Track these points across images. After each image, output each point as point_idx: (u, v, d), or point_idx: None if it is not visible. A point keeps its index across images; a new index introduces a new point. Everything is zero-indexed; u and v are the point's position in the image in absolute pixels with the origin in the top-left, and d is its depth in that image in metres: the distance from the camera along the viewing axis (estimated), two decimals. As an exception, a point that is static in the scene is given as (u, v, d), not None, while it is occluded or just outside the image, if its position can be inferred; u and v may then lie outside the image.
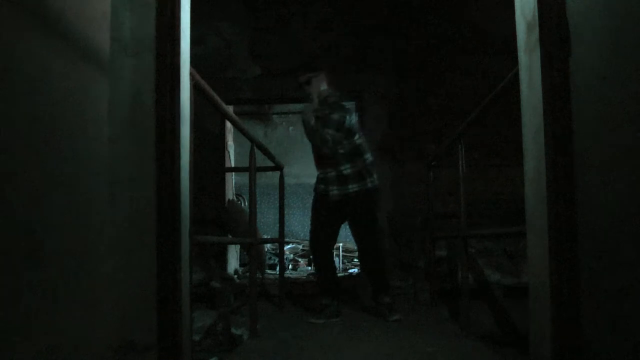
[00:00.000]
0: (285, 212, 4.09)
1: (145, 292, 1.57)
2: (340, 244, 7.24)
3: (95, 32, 1.51)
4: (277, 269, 4.96)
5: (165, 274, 1.58)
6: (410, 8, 5.02)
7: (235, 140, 5.70)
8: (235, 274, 5.18)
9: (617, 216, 1.25)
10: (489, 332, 2.89)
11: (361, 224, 3.39)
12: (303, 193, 8.55)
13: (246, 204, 6.03)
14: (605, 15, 1.31)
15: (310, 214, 3.55)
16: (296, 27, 5.07)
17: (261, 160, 3.18)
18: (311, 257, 3.53)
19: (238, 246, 5.54)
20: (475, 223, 4.42)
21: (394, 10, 5.04)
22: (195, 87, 1.89)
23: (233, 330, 2.84)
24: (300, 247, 8.34)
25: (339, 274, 5.87)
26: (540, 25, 1.54)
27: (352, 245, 7.65)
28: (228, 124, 5.07)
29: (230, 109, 4.81)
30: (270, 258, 6.80)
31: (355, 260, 7.11)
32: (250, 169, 2.90)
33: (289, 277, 5.14)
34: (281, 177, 4.01)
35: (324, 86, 3.47)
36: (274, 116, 10.38)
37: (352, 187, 3.34)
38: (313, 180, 3.62)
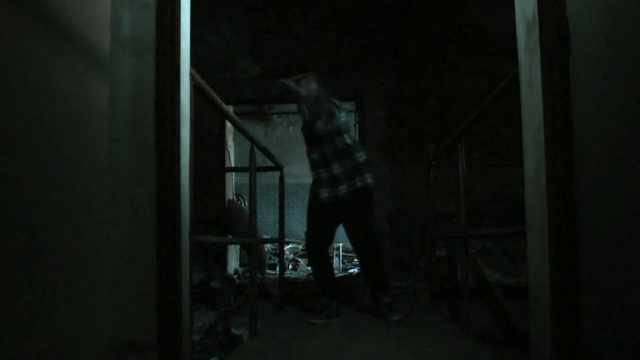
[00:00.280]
0: (285, 212, 4.09)
1: (145, 292, 1.57)
2: (340, 244, 7.23)
3: (95, 32, 1.51)
4: (277, 269, 4.96)
5: (165, 274, 1.58)
6: (411, 8, 5.02)
7: (235, 140, 5.70)
8: (235, 274, 5.18)
9: (617, 216, 1.25)
10: (489, 332, 2.89)
11: (355, 225, 3.37)
12: (303, 193, 8.54)
13: (246, 204, 6.03)
14: (606, 15, 1.31)
15: (307, 214, 3.55)
16: (296, 27, 5.07)
17: (261, 160, 3.18)
18: (308, 258, 3.53)
19: (238, 246, 5.54)
20: (475, 223, 4.42)
21: (394, 10, 5.04)
22: (195, 87, 1.89)
23: (233, 330, 2.84)
24: (300, 247, 8.34)
25: (339, 274, 5.88)
26: (540, 25, 1.54)
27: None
28: (228, 124, 5.08)
29: (230, 109, 4.81)
30: (270, 258, 6.80)
31: (355, 260, 7.11)
32: (250, 169, 2.90)
33: (289, 277, 5.14)
34: (281, 177, 4.01)
35: (313, 87, 3.45)
36: (274, 116, 10.38)
37: (342, 189, 3.32)
38: (312, 181, 3.62)
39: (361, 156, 3.41)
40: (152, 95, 1.62)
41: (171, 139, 1.62)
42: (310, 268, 6.97)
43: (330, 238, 3.50)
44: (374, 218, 3.46)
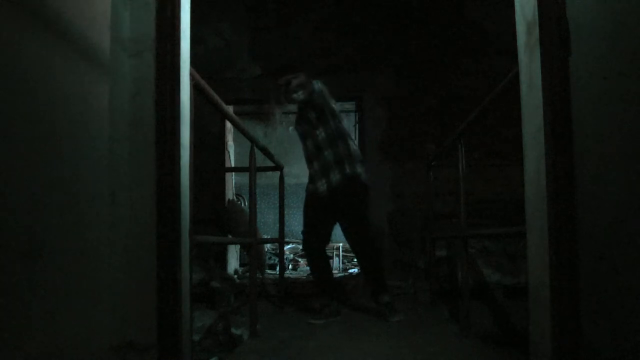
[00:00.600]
0: (285, 212, 4.09)
1: (145, 292, 1.57)
2: (340, 244, 7.23)
3: (95, 32, 1.51)
4: (277, 269, 4.96)
5: (165, 274, 1.58)
6: (411, 8, 5.02)
7: (235, 140, 5.70)
8: (235, 274, 5.18)
9: (617, 216, 1.25)
10: (489, 332, 2.89)
11: (350, 221, 3.34)
12: (303, 193, 8.51)
13: (246, 204, 6.03)
14: (606, 15, 1.31)
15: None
16: (296, 27, 5.08)
17: (261, 160, 3.18)
18: (306, 258, 3.52)
19: (238, 246, 5.54)
20: (475, 223, 4.42)
21: (394, 10, 5.04)
22: (195, 87, 1.89)
23: (233, 330, 2.84)
24: (300, 247, 8.34)
25: (339, 274, 5.88)
26: (540, 25, 1.53)
27: (352, 245, 7.65)
28: (228, 124, 5.08)
29: (230, 109, 4.81)
30: (270, 258, 6.80)
31: (355, 260, 7.11)
32: (250, 169, 2.90)
33: (289, 277, 5.14)
34: (281, 177, 4.01)
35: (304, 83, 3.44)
36: (274, 116, 10.37)
37: (334, 177, 3.29)
38: (312, 180, 3.62)
39: (353, 146, 3.39)
40: (152, 95, 1.62)
41: (171, 139, 1.62)
42: (309, 268, 6.98)
43: (327, 236, 3.48)
44: (370, 216, 3.44)
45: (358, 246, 3.39)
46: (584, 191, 1.41)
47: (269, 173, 6.03)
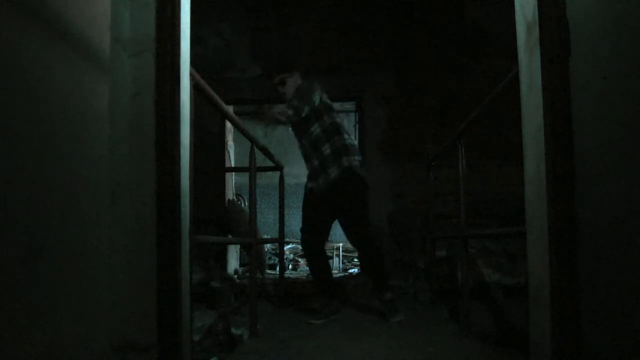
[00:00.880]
0: (285, 212, 4.09)
1: (145, 292, 1.57)
2: (340, 244, 7.23)
3: (95, 32, 1.51)
4: (277, 269, 4.96)
5: (165, 274, 1.58)
6: (411, 8, 5.02)
7: (235, 140, 5.70)
8: (235, 274, 5.18)
9: (617, 216, 1.25)
10: (489, 332, 2.89)
11: (349, 217, 3.32)
12: (303, 193, 8.54)
13: (246, 204, 6.03)
14: (606, 15, 1.31)
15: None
16: (296, 27, 5.08)
17: (261, 160, 3.18)
18: (305, 257, 3.53)
19: (238, 246, 5.54)
20: (475, 223, 4.42)
21: (394, 10, 5.04)
22: (195, 87, 1.89)
23: (233, 330, 2.84)
24: (300, 247, 8.34)
25: (339, 274, 5.88)
26: (540, 25, 1.54)
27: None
28: (228, 124, 5.08)
29: (230, 109, 4.81)
30: (270, 258, 6.80)
31: (355, 260, 7.11)
32: (250, 169, 2.90)
33: (289, 277, 5.14)
34: (281, 177, 4.01)
35: (298, 85, 3.42)
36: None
37: (332, 171, 3.27)
38: (313, 180, 3.62)
39: (349, 139, 3.38)
40: (152, 95, 1.62)
41: (171, 139, 1.62)
42: (308, 267, 6.98)
43: (326, 234, 3.46)
44: (369, 212, 3.42)
45: (358, 243, 3.38)
46: (584, 191, 1.41)
47: (269, 173, 6.04)
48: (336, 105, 3.56)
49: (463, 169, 2.83)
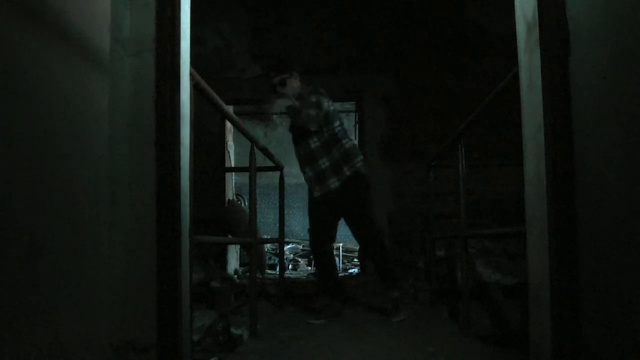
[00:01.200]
0: (285, 212, 4.09)
1: (145, 292, 1.57)
2: (340, 244, 7.24)
3: (95, 32, 1.51)
4: (277, 269, 4.96)
5: (165, 274, 1.58)
6: (411, 8, 5.02)
7: (235, 140, 5.70)
8: (235, 274, 5.18)
9: (617, 216, 1.25)
10: (488, 332, 2.89)
11: (354, 215, 3.35)
12: (303, 193, 8.54)
13: (246, 204, 6.03)
14: (606, 15, 1.31)
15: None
16: (296, 27, 5.07)
17: (261, 160, 3.18)
18: (311, 257, 3.56)
19: (238, 246, 5.54)
20: (475, 223, 4.42)
21: (394, 10, 5.04)
22: (195, 87, 1.89)
23: (233, 330, 2.84)
24: (300, 247, 8.34)
25: (340, 274, 5.88)
26: (540, 25, 1.54)
27: (352, 245, 7.66)
28: (228, 124, 5.08)
29: (230, 109, 4.81)
30: (270, 258, 6.80)
31: (356, 260, 7.11)
32: (250, 169, 2.90)
33: (289, 277, 5.14)
34: (281, 177, 4.01)
35: (297, 85, 3.41)
36: (274, 116, 10.38)
37: (332, 182, 3.28)
38: (313, 180, 3.62)
39: (348, 142, 3.35)
40: (152, 95, 1.62)
41: (171, 139, 1.62)
42: (310, 268, 6.98)
43: (332, 235, 3.48)
44: (373, 211, 3.44)
45: (363, 241, 3.43)
46: (584, 191, 1.41)
47: (269, 173, 6.03)
48: (336, 105, 3.55)
49: (463, 169, 2.83)
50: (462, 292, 2.76)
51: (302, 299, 4.06)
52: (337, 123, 3.34)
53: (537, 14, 1.55)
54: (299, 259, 7.54)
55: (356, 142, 3.46)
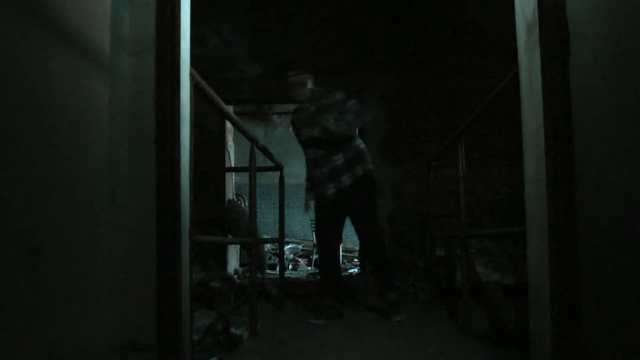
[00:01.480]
0: (285, 212, 4.09)
1: (145, 292, 1.57)
2: (340, 244, 7.22)
3: (95, 32, 1.51)
4: (277, 269, 4.96)
5: (165, 274, 1.58)
6: (411, 8, 5.02)
7: (235, 140, 5.70)
8: (235, 274, 5.18)
9: (617, 216, 1.25)
10: (488, 332, 2.89)
11: (360, 213, 3.37)
12: (303, 193, 8.54)
13: (246, 204, 6.03)
14: (606, 15, 1.31)
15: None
16: (296, 27, 5.07)
17: (261, 160, 3.18)
18: (316, 257, 3.58)
19: (238, 246, 5.54)
20: (475, 223, 4.43)
21: (394, 10, 5.04)
22: (195, 87, 1.89)
23: (233, 330, 2.84)
24: (300, 247, 8.35)
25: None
26: (540, 25, 1.54)
27: (352, 245, 7.66)
28: (228, 124, 5.08)
29: (230, 109, 4.81)
30: (270, 258, 6.80)
31: (355, 260, 7.11)
32: (250, 169, 2.90)
33: (289, 277, 5.14)
34: (281, 177, 4.01)
35: (311, 86, 3.44)
36: (274, 116, 10.38)
37: (345, 179, 3.30)
38: (313, 180, 3.62)
39: (360, 144, 3.39)
40: (152, 95, 1.62)
41: (171, 139, 1.62)
42: (310, 268, 6.98)
43: (338, 236, 3.50)
44: (379, 210, 3.46)
45: (365, 241, 3.43)
46: (584, 191, 1.41)
47: (269, 173, 6.03)
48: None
49: (463, 169, 2.83)
50: (462, 292, 2.76)
51: (302, 299, 4.06)
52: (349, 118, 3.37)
53: (537, 14, 1.55)
54: (299, 259, 7.55)
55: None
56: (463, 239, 2.81)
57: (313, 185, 3.47)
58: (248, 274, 3.37)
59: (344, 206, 3.38)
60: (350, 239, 7.08)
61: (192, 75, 1.84)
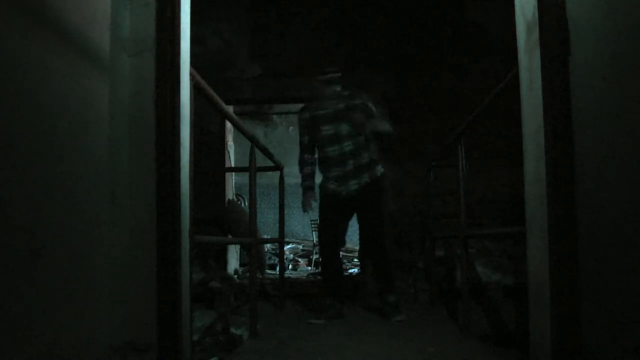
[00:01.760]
0: (285, 212, 4.09)
1: (145, 292, 1.57)
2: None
3: (95, 32, 1.51)
4: (277, 269, 4.96)
5: (165, 274, 1.58)
6: (410, 8, 5.02)
7: (235, 140, 5.70)
8: (235, 274, 5.18)
9: (617, 216, 1.25)
10: (489, 332, 2.89)
11: (366, 217, 3.39)
12: (303, 192, 8.52)
13: (246, 204, 6.03)
14: (605, 15, 1.31)
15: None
16: (296, 27, 5.07)
17: (261, 160, 3.18)
18: (317, 257, 3.60)
19: (238, 246, 5.54)
20: (475, 223, 4.42)
21: (394, 10, 5.04)
22: (195, 87, 1.89)
23: (233, 330, 2.84)
24: (300, 247, 8.35)
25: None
26: (540, 25, 1.54)
27: (352, 245, 7.66)
28: (228, 124, 5.07)
29: (230, 109, 4.81)
30: (270, 258, 6.80)
31: (355, 260, 7.11)
32: (250, 169, 2.90)
33: (289, 277, 5.14)
34: (281, 177, 4.01)
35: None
36: (274, 116, 10.38)
37: (352, 184, 3.34)
38: (312, 180, 3.62)
39: (373, 153, 3.43)
40: (152, 95, 1.62)
41: (171, 139, 1.62)
42: (309, 268, 6.98)
43: (342, 236, 3.52)
44: (386, 218, 3.49)
45: (369, 243, 3.43)
46: (584, 191, 1.41)
47: (269, 173, 6.03)
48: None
49: (463, 169, 2.83)
50: (462, 292, 2.76)
51: (302, 299, 4.06)
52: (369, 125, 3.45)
53: (537, 14, 1.55)
54: (299, 259, 7.55)
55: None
56: (463, 239, 2.81)
57: (323, 183, 3.46)
58: (248, 274, 3.37)
59: (351, 207, 3.41)
60: (350, 238, 7.07)
61: (192, 75, 1.84)
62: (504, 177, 4.70)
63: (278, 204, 4.01)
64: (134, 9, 1.64)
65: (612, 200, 1.28)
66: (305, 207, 3.57)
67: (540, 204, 1.55)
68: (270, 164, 3.97)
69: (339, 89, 3.47)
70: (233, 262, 5.37)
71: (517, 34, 1.76)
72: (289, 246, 7.91)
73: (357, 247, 6.18)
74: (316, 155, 3.53)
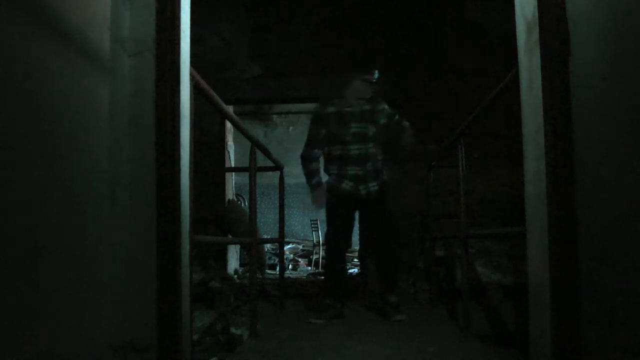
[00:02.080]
0: (285, 212, 4.09)
1: (145, 292, 1.57)
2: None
3: (95, 32, 1.51)
4: (277, 269, 4.96)
5: (165, 274, 1.58)
6: (410, 8, 5.02)
7: (235, 140, 5.70)
8: (235, 274, 5.18)
9: (617, 216, 1.25)
10: (489, 332, 2.89)
11: (375, 218, 3.44)
12: (303, 193, 8.55)
13: (246, 204, 6.03)
14: (606, 15, 1.31)
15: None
16: (296, 27, 5.07)
17: (261, 160, 3.18)
18: (317, 257, 3.62)
19: (238, 246, 5.54)
20: (475, 223, 4.42)
21: (394, 10, 5.04)
22: (195, 87, 1.89)
23: (233, 330, 2.84)
24: (300, 247, 8.35)
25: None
26: (540, 25, 1.54)
27: (352, 245, 7.66)
28: (228, 124, 5.07)
29: (230, 109, 4.81)
30: (270, 258, 6.80)
31: (355, 260, 7.11)
32: (250, 169, 2.90)
33: (289, 277, 5.14)
34: (281, 177, 4.01)
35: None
36: (274, 116, 10.38)
37: (362, 189, 3.40)
38: (312, 180, 3.62)
39: (381, 161, 3.49)
40: (152, 95, 1.62)
41: (171, 139, 1.62)
42: (309, 268, 6.98)
43: (349, 237, 3.54)
44: (393, 220, 3.55)
45: (380, 245, 3.46)
46: (584, 191, 1.41)
47: (269, 173, 6.03)
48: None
49: (463, 169, 2.83)
50: (462, 292, 2.76)
51: (302, 299, 4.06)
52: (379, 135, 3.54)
53: (537, 14, 1.55)
54: (299, 259, 7.55)
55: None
56: (463, 239, 2.81)
57: (333, 182, 3.46)
58: (248, 274, 3.37)
59: (360, 207, 3.47)
60: (350, 239, 7.06)
61: (192, 75, 1.84)
62: (504, 177, 4.70)
63: (278, 204, 4.01)
64: (134, 9, 1.64)
65: (612, 200, 1.28)
66: (318, 204, 3.53)
67: (540, 203, 1.55)
68: (270, 164, 3.97)
69: (372, 91, 3.56)
70: (233, 262, 5.37)
71: (517, 34, 1.76)
72: (289, 246, 7.91)
73: (357, 247, 6.18)
74: (321, 152, 3.54)
